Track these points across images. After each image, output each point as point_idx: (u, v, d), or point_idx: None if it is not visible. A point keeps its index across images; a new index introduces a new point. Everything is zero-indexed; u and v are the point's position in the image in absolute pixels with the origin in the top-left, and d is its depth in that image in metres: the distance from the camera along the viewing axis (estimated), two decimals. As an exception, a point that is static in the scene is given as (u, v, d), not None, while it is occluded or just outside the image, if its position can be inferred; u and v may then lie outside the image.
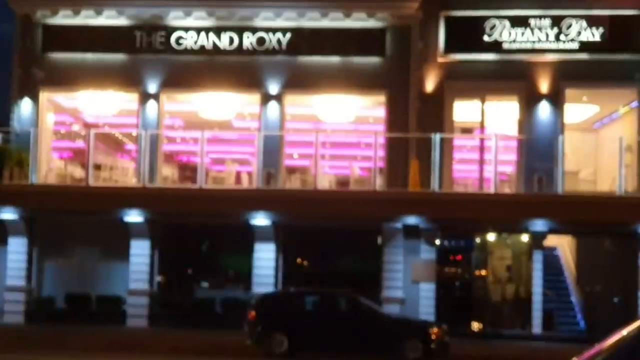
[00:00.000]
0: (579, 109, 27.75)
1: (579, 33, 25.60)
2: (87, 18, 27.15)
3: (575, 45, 25.65)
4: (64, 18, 27.33)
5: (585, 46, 25.69)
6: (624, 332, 4.74)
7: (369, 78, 26.55)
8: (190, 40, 27.03)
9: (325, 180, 27.33)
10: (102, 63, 27.49)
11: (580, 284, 27.43)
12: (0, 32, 37.37)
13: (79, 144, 29.19)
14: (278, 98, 26.77)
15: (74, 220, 26.00)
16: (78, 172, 27.68)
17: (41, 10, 27.20)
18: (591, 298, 26.59)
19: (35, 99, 27.33)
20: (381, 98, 26.74)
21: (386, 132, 26.43)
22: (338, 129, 28.88)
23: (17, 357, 19.48)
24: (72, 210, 25.35)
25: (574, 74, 25.66)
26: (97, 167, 27.58)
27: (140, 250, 25.95)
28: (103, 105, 28.45)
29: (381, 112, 26.91)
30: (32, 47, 27.43)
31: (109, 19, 27.11)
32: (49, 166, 27.87)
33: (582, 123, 28.94)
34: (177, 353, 21.90)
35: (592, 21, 25.54)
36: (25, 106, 27.27)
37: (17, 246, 26.07)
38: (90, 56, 27.40)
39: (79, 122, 29.99)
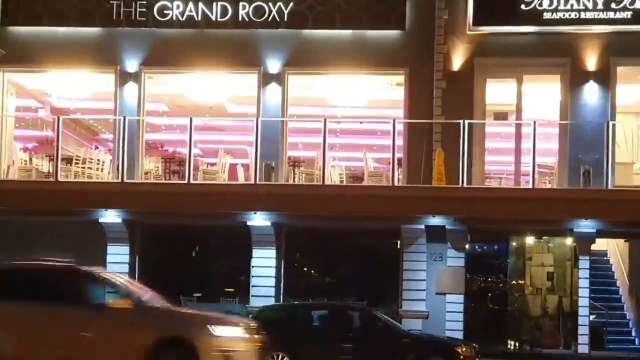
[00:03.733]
0: (633, 89, 27.26)
1: (633, 1, 25.19)
2: None
3: (628, 15, 25.21)
4: None
5: (638, 16, 25.26)
6: None
7: (386, 55, 26.33)
8: (175, 10, 26.83)
9: (334, 174, 27.15)
10: (72, 38, 27.20)
11: (634, 294, 27.35)
12: None
13: (46, 132, 29.31)
14: (279, 78, 26.60)
15: (41, 221, 25.79)
16: (45, 166, 27.63)
17: None
18: (648, 311, 26.61)
19: None
20: (400, 78, 26.48)
21: (406, 118, 26.03)
22: (349, 115, 28.65)
23: None
24: (38, 210, 25.30)
25: (626, 49, 25.31)
26: (68, 160, 27.26)
27: (117, 257, 25.92)
28: (74, 87, 28.09)
29: (400, 95, 26.55)
30: None
31: None
32: (11, 159, 27.69)
33: (636, 106, 28.70)
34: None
35: None
36: None
37: None
38: (59, 30, 27.16)
39: (46, 107, 29.72)
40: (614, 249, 29.34)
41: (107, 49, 27.17)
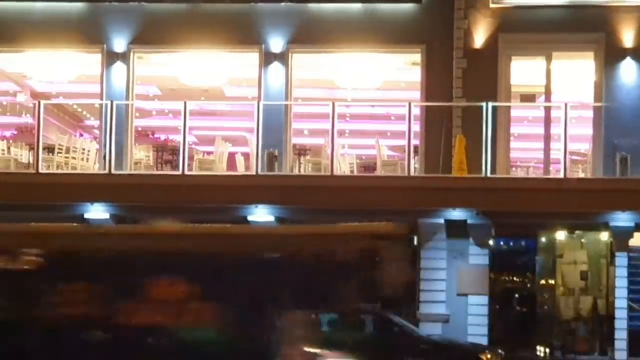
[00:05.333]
0: None
1: None
2: None
3: None
4: None
5: None
6: None
7: (401, 31, 26.44)
8: None
9: (344, 164, 27.11)
10: (53, 14, 27.36)
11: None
12: None
13: (26, 119, 29.70)
14: (282, 57, 26.76)
15: (20, 216, 24.20)
16: (25, 156, 28.19)
17: None
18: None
19: None
20: (417, 56, 26.58)
21: (423, 101, 26.18)
22: (360, 98, 28.87)
23: None
24: (17, 204, 24.54)
25: None
26: (48, 149, 27.44)
27: None
28: (56, 69, 28.16)
29: (417, 75, 26.74)
30: None
31: None
32: None
33: None
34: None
35: None
36: None
37: None
38: (38, 5, 27.34)
39: (25, 91, 29.95)
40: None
41: (92, 26, 27.06)
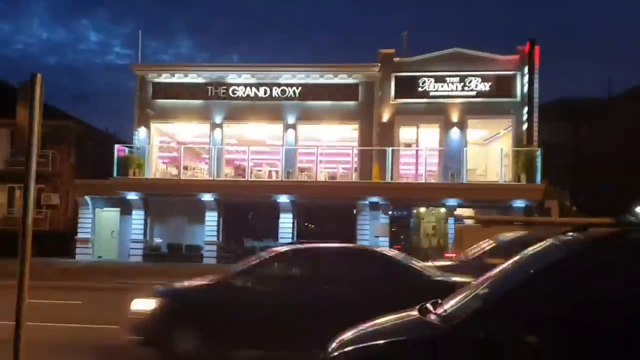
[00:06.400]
0: (476, 132, 27.25)
1: (476, 85, 25.42)
2: (179, 78, 27.18)
3: (473, 93, 25.43)
4: (165, 78, 27.33)
5: (479, 94, 25.41)
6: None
7: (349, 114, 26.39)
8: (240, 91, 26.93)
9: (322, 175, 27.42)
10: (187, 105, 27.19)
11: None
12: (127, 87, 36.92)
13: (174, 154, 28.99)
14: (294, 127, 26.73)
15: (171, 200, 26.26)
16: (174, 171, 27.80)
17: (151, 73, 27.34)
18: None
19: (148, 127, 27.23)
20: (355, 126, 26.58)
21: (359, 147, 26.18)
22: (329, 145, 28.24)
23: (137, 282, 19.13)
24: (170, 194, 25.85)
25: (473, 110, 25.36)
26: (185, 168, 27.65)
27: (211, 218, 26.00)
28: (188, 130, 28.47)
29: (355, 135, 26.69)
30: (145, 96, 27.28)
31: (192, 79, 27.12)
32: (156, 167, 27.86)
33: (480, 140, 28.47)
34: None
35: (483, 78, 25.35)
36: (142, 132, 27.20)
37: (137, 215, 26.47)
38: (180, 101, 27.19)
39: (174, 141, 29.65)
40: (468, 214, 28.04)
41: (205, 111, 27.06)
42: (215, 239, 26.04)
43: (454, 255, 15.33)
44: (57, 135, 25.17)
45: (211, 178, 26.39)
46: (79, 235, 26.67)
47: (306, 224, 26.72)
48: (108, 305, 12.28)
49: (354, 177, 26.36)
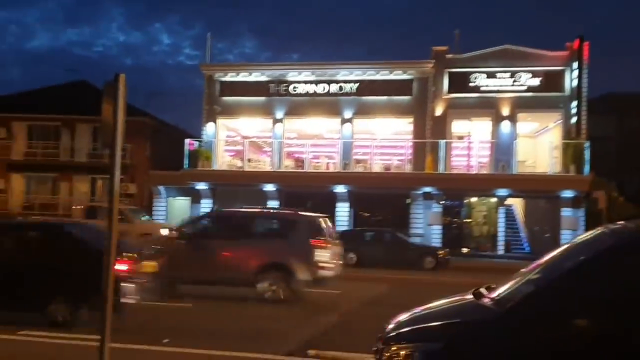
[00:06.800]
0: (526, 125, 27.63)
1: (526, 80, 25.86)
2: (244, 77, 28.46)
3: (524, 88, 25.90)
4: (230, 77, 28.62)
5: (529, 88, 25.87)
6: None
7: (403, 108, 27.15)
8: (300, 88, 28.01)
9: (377, 167, 27.89)
10: (251, 102, 28.28)
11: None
12: (197, 85, 37.10)
13: (239, 147, 30.03)
14: (350, 121, 27.62)
15: (236, 189, 27.06)
16: (238, 163, 28.92)
17: (218, 73, 28.72)
18: None
19: (215, 122, 28.53)
20: (409, 120, 27.32)
21: (414, 139, 26.95)
22: (384, 138, 28.54)
23: None
24: (235, 184, 26.98)
25: (523, 105, 25.81)
26: (249, 160, 28.73)
27: (273, 204, 26.31)
28: (251, 126, 29.51)
29: (409, 128, 27.44)
30: (213, 94, 28.56)
31: (256, 77, 28.35)
32: (222, 159, 29.00)
33: (531, 133, 28.70)
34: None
35: (533, 74, 25.81)
36: (209, 127, 28.54)
37: (206, 203, 27.18)
38: (244, 98, 28.32)
39: (239, 135, 30.49)
40: (518, 204, 28.28)
41: (268, 107, 28.22)
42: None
43: None
44: (134, 130, 26.71)
45: (273, 169, 27.74)
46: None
47: (362, 212, 27.40)
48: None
49: (408, 168, 27.23)
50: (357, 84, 27.76)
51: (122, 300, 8.27)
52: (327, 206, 26.38)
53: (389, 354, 3.89)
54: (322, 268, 12.12)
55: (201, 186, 27.91)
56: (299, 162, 29.86)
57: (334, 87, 27.97)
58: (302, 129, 29.19)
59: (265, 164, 30.14)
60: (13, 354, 6.98)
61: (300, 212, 13.27)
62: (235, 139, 30.71)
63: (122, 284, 8.24)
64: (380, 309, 9.93)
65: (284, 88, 28.40)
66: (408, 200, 26.60)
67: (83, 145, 31.62)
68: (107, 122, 4.53)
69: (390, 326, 4.24)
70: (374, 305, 11.61)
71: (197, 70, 29.81)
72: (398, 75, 27.44)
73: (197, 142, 28.29)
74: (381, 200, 26.81)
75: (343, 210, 26.84)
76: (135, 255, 9.03)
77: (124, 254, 8.60)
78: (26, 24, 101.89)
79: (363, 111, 27.72)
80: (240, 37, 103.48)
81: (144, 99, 50.72)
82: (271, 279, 11.97)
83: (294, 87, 28.35)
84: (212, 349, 7.22)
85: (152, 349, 7.36)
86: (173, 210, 29.14)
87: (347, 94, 27.83)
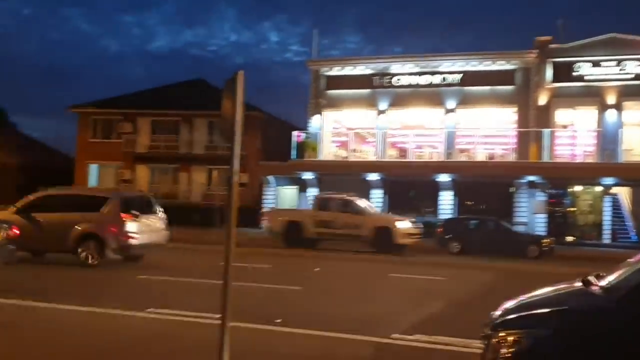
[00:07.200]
0: (634, 114, 26.35)
1: (633, 68, 25.56)
2: (348, 71, 29.69)
3: (630, 76, 25.65)
4: (335, 71, 29.90)
5: (636, 76, 25.58)
6: None
7: (506, 98, 27.51)
8: (403, 80, 28.85)
9: (481, 156, 28.64)
10: (355, 95, 29.30)
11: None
12: (304, 80, 38.56)
13: (343, 138, 30.94)
14: (453, 111, 27.93)
15: (341, 178, 27.38)
16: (343, 153, 30.22)
17: (323, 68, 30.09)
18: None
19: (320, 115, 29.78)
20: (512, 109, 27.59)
21: (518, 128, 27.21)
22: (488, 127, 28.48)
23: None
24: (340, 173, 27.83)
25: (630, 93, 25.47)
26: (353, 150, 29.92)
27: (376, 194, 27.66)
28: (355, 117, 30.21)
29: (512, 117, 27.73)
30: (318, 87, 29.86)
31: (360, 70, 29.50)
32: (328, 150, 30.05)
33: (635, 122, 26.98)
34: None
35: None
36: (315, 119, 29.84)
37: (312, 191, 28.11)
38: (349, 91, 29.36)
39: (343, 127, 31.10)
40: (625, 193, 27.00)
41: (372, 99, 29.13)
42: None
43: None
44: (246, 123, 27.12)
45: (376, 159, 28.65)
46: (265, 209, 29.52)
47: (465, 201, 27.79)
48: (290, 269, 14.97)
49: (512, 157, 27.55)
50: (460, 75, 28.29)
51: None
52: (430, 195, 27.36)
53: (497, 340, 3.91)
54: (131, 238, 13.61)
55: (308, 176, 29.10)
56: (402, 151, 30.57)
57: (437, 79, 28.62)
58: (405, 120, 29.83)
59: (369, 154, 30.89)
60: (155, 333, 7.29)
61: (114, 190, 16.24)
62: (340, 130, 31.58)
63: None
64: (485, 297, 10.18)
65: (387, 80, 29.21)
66: (512, 189, 26.81)
67: (200, 139, 33.66)
68: (227, 117, 4.55)
69: (498, 313, 4.26)
70: (479, 293, 11.82)
71: (302, 66, 32.11)
72: (501, 65, 27.82)
73: (304, 134, 29.59)
74: (485, 189, 26.99)
75: (447, 199, 27.39)
76: None
77: None
78: (148, 27, 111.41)
79: (466, 101, 28.22)
80: (343, 32, 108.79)
81: (254, 94, 52.38)
82: (86, 247, 13.65)
83: (397, 79, 29.13)
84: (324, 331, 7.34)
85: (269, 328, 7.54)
86: (281, 198, 30.51)
87: (449, 85, 28.41)
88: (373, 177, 28.14)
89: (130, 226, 13.76)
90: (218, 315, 4.63)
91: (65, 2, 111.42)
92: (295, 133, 29.56)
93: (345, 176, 28.34)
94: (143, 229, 14.02)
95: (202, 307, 8.33)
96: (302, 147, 29.13)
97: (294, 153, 29.02)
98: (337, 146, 31.60)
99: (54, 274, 12.85)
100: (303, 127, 30.89)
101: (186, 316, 8.03)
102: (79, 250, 13.76)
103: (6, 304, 8.64)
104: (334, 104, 30.07)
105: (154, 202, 15.23)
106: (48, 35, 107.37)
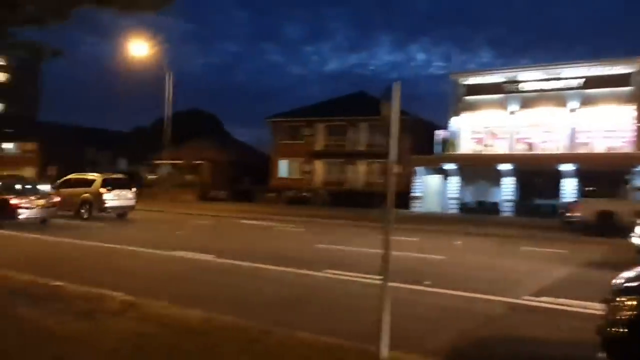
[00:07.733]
0: None
1: None
2: (483, 80, 33.29)
3: None
4: (472, 81, 33.72)
5: None
6: None
7: (623, 98, 29.55)
8: (530, 86, 31.87)
9: (600, 148, 30.06)
10: (488, 99, 32.62)
11: None
12: (444, 90, 49.66)
13: (479, 136, 33.63)
14: (575, 110, 30.81)
15: (477, 169, 31.19)
16: (478, 148, 33.11)
17: (461, 78, 34.09)
18: None
19: (458, 116, 33.56)
20: (630, 107, 29.54)
21: (636, 123, 29.09)
22: (606, 123, 29.91)
23: (454, 228, 21.00)
24: (476, 164, 31.30)
25: None
26: (485, 145, 32.30)
27: (508, 182, 29.93)
28: (489, 118, 33.14)
29: (629, 115, 29.47)
30: (458, 94, 33.56)
31: (493, 79, 32.86)
32: (466, 145, 33.34)
33: None
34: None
35: None
36: (455, 120, 33.67)
37: (453, 179, 32.43)
38: (483, 97, 32.92)
39: (479, 126, 33.65)
40: None
41: (502, 103, 31.75)
42: (511, 198, 31.37)
43: None
44: (400, 125, 33.79)
45: (508, 152, 31.74)
46: (414, 194, 34.87)
47: (587, 187, 29.12)
48: (435, 242, 16.11)
49: (629, 149, 29.51)
50: (581, 79, 30.72)
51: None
52: (553, 182, 29.71)
53: (617, 304, 4.07)
54: (106, 203, 21.08)
55: (449, 166, 33.02)
56: (529, 146, 32.82)
57: (560, 83, 31.34)
58: (531, 119, 32.47)
59: (500, 148, 33.43)
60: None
61: (98, 174, 22.22)
62: (476, 129, 34.49)
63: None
64: (601, 267, 10.97)
65: (516, 86, 32.48)
66: (627, 177, 27.82)
67: (363, 139, 40.60)
68: (387, 120, 4.84)
69: (618, 281, 4.40)
70: (595, 265, 12.19)
71: (444, 78, 36.70)
72: (618, 70, 29.88)
73: (446, 132, 33.87)
74: (604, 177, 28.20)
75: (569, 186, 29.82)
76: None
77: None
78: (323, 54, 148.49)
79: (586, 102, 30.57)
80: (477, 50, 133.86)
81: (405, 101, 58.18)
82: (83, 208, 21.25)
83: (525, 85, 32.27)
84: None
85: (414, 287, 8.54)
86: (427, 185, 35.14)
87: (571, 88, 30.94)
88: (504, 167, 31.04)
89: (106, 196, 21.18)
90: (379, 277, 4.97)
91: (262, 37, 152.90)
92: (438, 132, 33.91)
93: (480, 167, 31.89)
94: (114, 198, 21.35)
95: (369, 270, 9.56)
96: (444, 143, 33.46)
97: (437, 148, 33.19)
98: (475, 142, 34.68)
99: (75, 224, 19.45)
100: (443, 127, 35.00)
101: (365, 278, 9.08)
102: (82, 210, 21.29)
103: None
104: (471, 107, 33.96)
105: (129, 182, 22.83)
106: (249, 65, 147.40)
